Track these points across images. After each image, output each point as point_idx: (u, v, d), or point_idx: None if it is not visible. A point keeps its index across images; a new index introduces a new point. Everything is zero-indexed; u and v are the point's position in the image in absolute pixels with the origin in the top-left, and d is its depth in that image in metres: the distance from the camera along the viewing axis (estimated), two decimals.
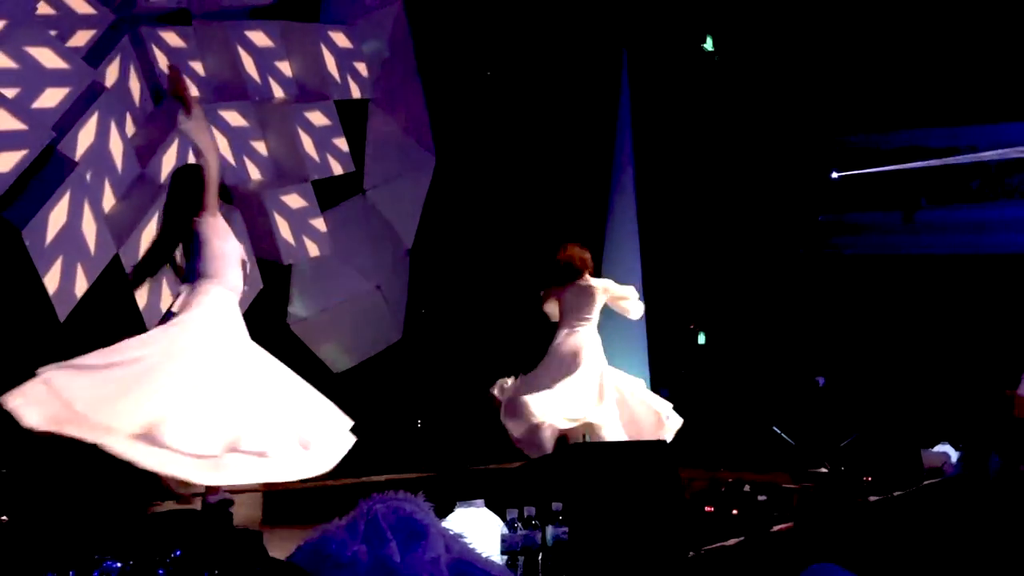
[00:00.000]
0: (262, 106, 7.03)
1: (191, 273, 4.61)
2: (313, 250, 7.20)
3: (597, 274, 7.25)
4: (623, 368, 7.00)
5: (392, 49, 7.89)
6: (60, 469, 4.64)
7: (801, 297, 9.51)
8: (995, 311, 8.40)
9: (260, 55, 7.01)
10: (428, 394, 7.96)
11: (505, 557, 3.18)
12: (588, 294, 6.48)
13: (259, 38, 7.04)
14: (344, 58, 7.45)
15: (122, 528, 2.41)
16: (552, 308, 6.63)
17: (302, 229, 7.14)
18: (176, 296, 4.62)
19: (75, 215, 5.90)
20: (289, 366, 4.73)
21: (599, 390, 6.27)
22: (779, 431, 7.23)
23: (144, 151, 6.35)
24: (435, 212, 8.17)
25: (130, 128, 6.33)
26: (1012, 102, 8.61)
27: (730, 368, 9.33)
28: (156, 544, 2.34)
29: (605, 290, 6.57)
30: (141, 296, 6.13)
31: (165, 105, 6.53)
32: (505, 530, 3.21)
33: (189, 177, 4.73)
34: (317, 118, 7.27)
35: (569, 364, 6.30)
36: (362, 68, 7.57)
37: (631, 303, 6.69)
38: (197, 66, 6.79)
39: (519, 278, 7.31)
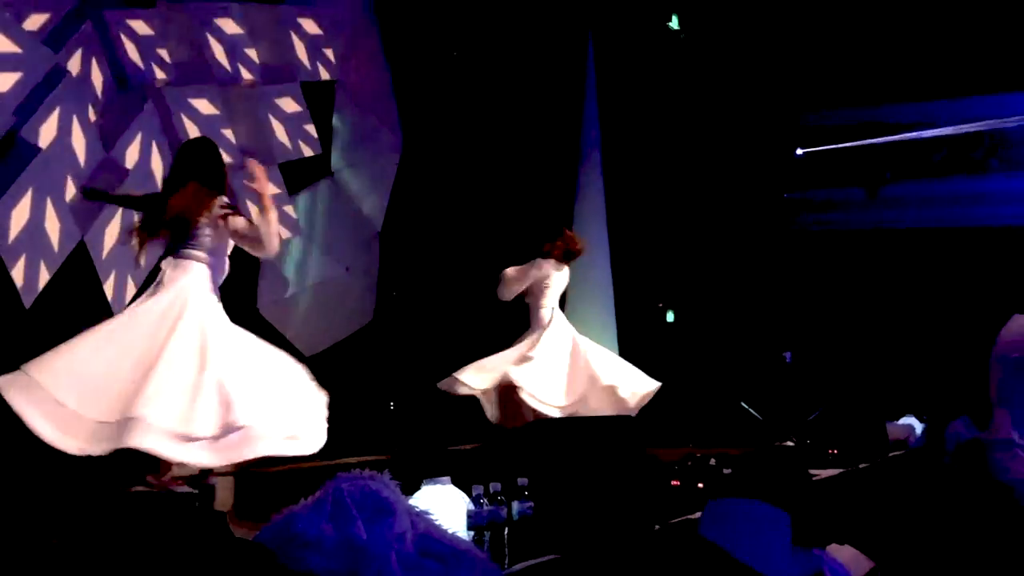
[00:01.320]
0: (229, 90, 7.00)
1: (184, 250, 4.63)
2: (283, 233, 7.20)
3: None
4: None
5: (358, 32, 7.88)
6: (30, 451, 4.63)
7: (768, 274, 9.61)
8: (959, 284, 8.51)
9: (226, 40, 6.98)
10: (400, 376, 7.99)
11: (471, 532, 3.22)
12: (566, 278, 6.93)
13: (225, 23, 7.01)
14: (311, 41, 7.43)
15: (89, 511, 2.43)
16: (518, 287, 6.81)
17: None
18: (163, 271, 4.64)
19: (39, 202, 5.87)
20: None
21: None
22: (747, 406, 7.33)
23: (108, 137, 6.32)
24: (404, 194, 8.18)
25: (93, 115, 6.29)
26: (973, 77, 8.71)
27: (699, 345, 9.42)
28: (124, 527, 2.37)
29: None
30: (108, 283, 6.12)
31: (129, 91, 6.50)
32: (471, 506, 3.25)
33: (212, 153, 4.75)
34: (285, 102, 7.26)
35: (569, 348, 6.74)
36: (329, 51, 7.56)
37: None
38: (163, 52, 6.75)
39: (489, 259, 7.34)
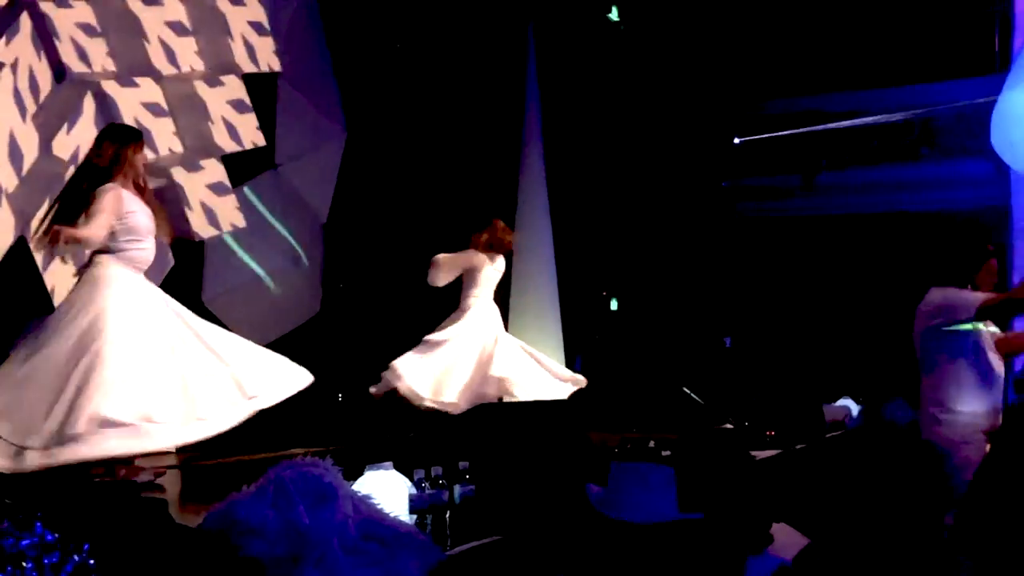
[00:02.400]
0: (170, 82, 6.96)
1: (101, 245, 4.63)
2: (226, 226, 7.19)
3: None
4: (537, 336, 7.22)
5: (299, 22, 7.87)
6: None
7: (708, 261, 9.76)
8: (893, 268, 8.71)
9: (164, 28, 6.93)
10: (348, 368, 8.01)
11: (414, 516, 3.29)
12: (499, 271, 7.15)
13: (164, 13, 6.96)
14: (251, 32, 7.40)
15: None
16: (447, 274, 6.93)
17: (214, 205, 7.12)
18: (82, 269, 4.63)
19: None
20: None
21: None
22: (689, 391, 7.46)
23: (46, 130, 6.26)
24: (348, 185, 8.19)
25: (31, 107, 6.23)
26: (906, 66, 8.92)
27: (642, 332, 9.55)
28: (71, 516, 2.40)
29: None
30: (49, 273, 6.08)
31: (68, 83, 6.44)
32: (413, 490, 3.32)
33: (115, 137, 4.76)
34: (226, 93, 7.23)
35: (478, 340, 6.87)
36: (270, 42, 7.53)
37: None
38: (101, 43, 6.68)
39: (434, 250, 7.39)
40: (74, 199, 4.69)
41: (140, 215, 4.77)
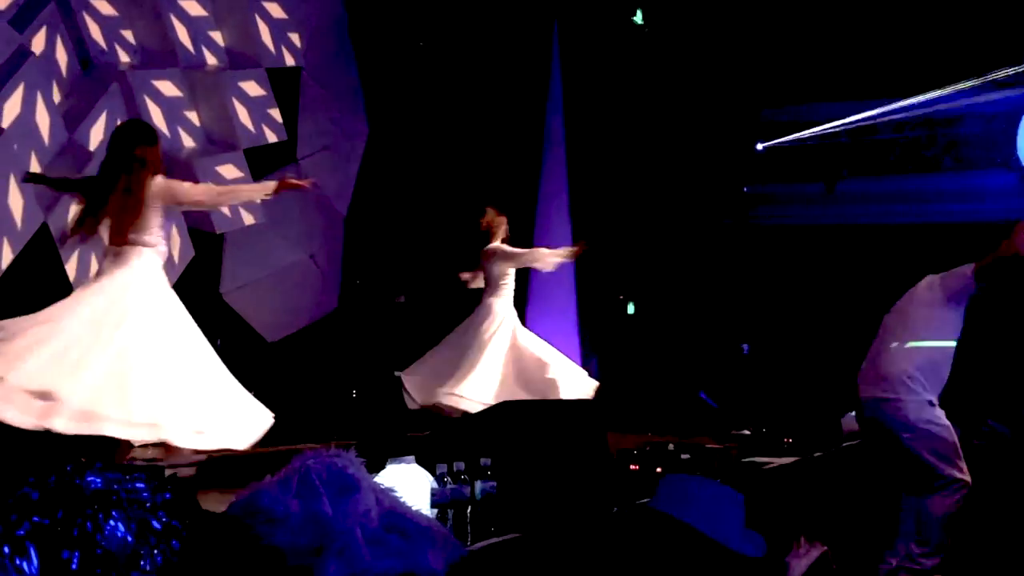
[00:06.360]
0: (194, 74, 6.98)
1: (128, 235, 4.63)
2: (246, 219, 7.20)
3: (529, 245, 7.47)
4: (554, 338, 7.19)
5: (325, 18, 7.88)
6: None
7: (727, 267, 9.73)
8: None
9: (192, 23, 6.96)
10: (363, 364, 8.01)
11: (435, 511, 3.28)
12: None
13: (191, 6, 6.99)
14: (277, 26, 7.42)
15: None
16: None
17: None
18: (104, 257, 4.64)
19: (2, 180, 5.83)
20: (223, 336, 4.77)
21: None
22: (705, 396, 7.43)
23: (71, 119, 6.29)
24: (369, 182, 8.19)
25: (57, 95, 6.25)
26: (930, 74, 8.88)
27: (659, 337, 9.53)
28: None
29: None
30: (70, 263, 6.10)
31: (93, 72, 6.46)
32: (435, 484, 3.30)
33: (144, 133, 4.74)
34: (250, 87, 7.25)
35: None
36: (295, 37, 7.55)
37: None
38: (127, 34, 6.72)
39: (453, 247, 7.39)
40: (105, 192, 4.67)
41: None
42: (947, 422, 4.99)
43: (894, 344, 5.14)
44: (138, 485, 2.38)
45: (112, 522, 2.26)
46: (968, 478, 4.93)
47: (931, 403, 4.99)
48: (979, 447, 5.62)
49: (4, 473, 2.22)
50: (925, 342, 5.04)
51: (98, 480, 2.31)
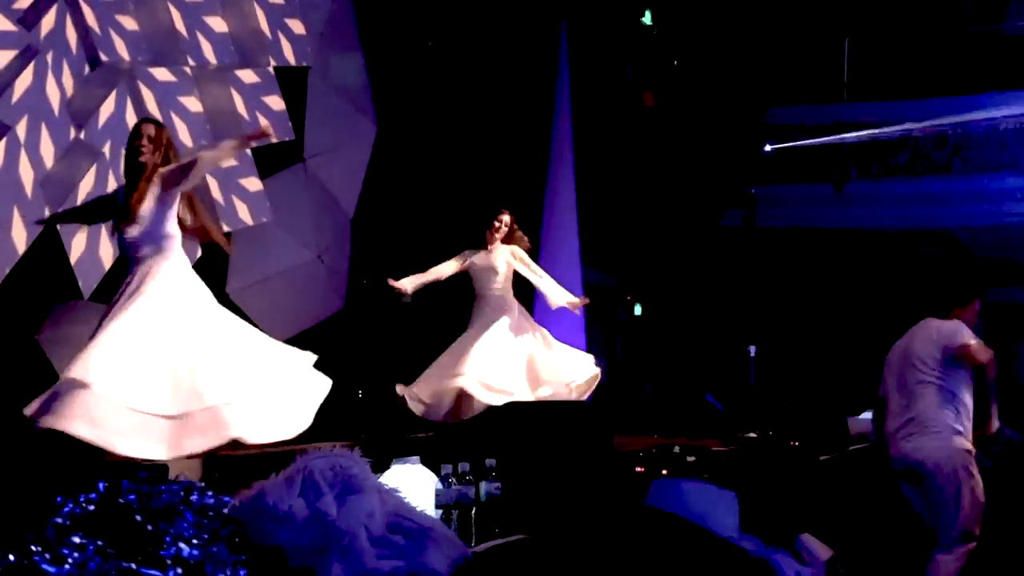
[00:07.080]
0: (199, 71, 6.98)
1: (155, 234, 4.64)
2: (253, 219, 7.20)
3: (536, 246, 7.48)
4: (561, 338, 7.18)
5: (333, 17, 7.88)
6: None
7: (735, 269, 9.71)
8: (917, 281, 8.65)
9: (197, 19, 6.96)
10: (370, 364, 8.00)
11: (439, 511, 3.27)
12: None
13: (198, 5, 6.98)
14: (286, 26, 7.42)
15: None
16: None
17: (242, 197, 7.13)
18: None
19: (10, 179, 5.84)
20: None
21: None
22: (712, 399, 7.42)
23: (80, 115, 6.29)
24: (377, 182, 8.18)
25: (67, 91, 6.25)
26: (940, 78, 8.86)
27: (666, 338, 9.51)
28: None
29: None
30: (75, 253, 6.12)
31: (101, 70, 6.46)
32: (439, 485, 3.30)
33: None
34: (257, 85, 7.25)
35: None
36: (303, 36, 7.55)
37: None
38: (136, 33, 6.70)
39: (459, 248, 7.38)
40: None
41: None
42: None
43: None
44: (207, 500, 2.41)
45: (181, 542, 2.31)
46: None
47: None
48: (994, 453, 5.63)
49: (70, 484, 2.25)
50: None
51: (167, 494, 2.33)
